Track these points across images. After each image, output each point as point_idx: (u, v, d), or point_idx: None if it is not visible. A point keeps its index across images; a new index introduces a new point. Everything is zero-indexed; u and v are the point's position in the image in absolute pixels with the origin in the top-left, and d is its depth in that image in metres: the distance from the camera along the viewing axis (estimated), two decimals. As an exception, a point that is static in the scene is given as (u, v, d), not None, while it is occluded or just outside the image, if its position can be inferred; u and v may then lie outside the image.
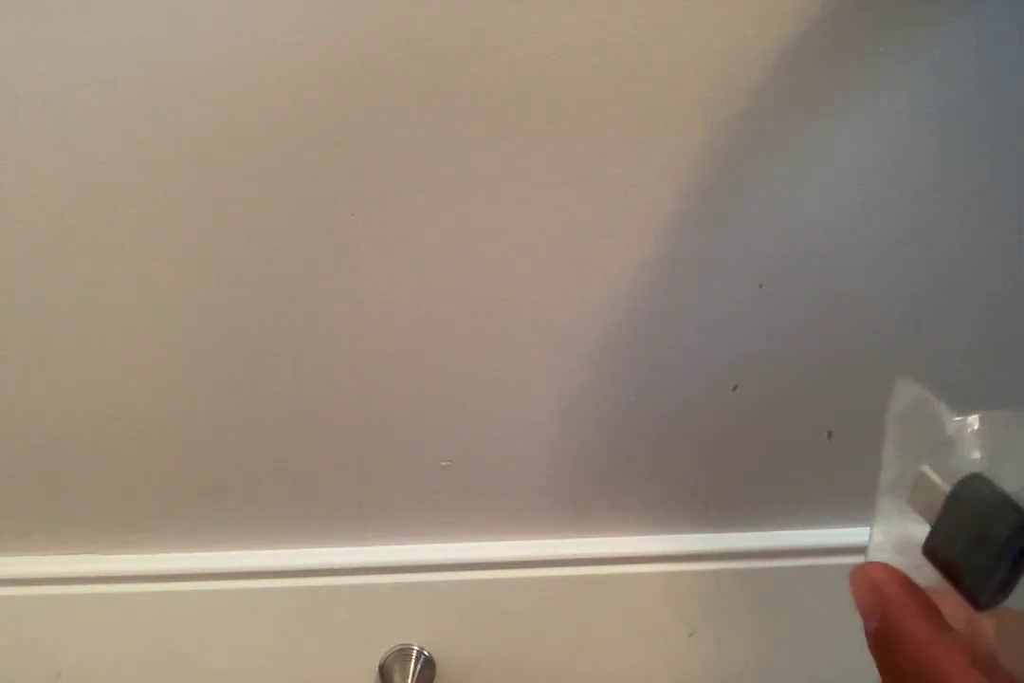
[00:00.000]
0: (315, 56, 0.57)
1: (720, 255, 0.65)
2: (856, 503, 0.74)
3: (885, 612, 0.27)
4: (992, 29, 0.62)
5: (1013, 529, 0.25)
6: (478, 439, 0.69)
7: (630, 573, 0.73)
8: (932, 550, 0.28)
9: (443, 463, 0.69)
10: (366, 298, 0.64)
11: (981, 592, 0.26)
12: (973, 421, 0.29)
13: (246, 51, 0.56)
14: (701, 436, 0.71)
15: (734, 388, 0.70)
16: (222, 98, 0.57)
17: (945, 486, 0.28)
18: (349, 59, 0.57)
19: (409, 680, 0.70)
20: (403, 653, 0.72)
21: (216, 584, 0.69)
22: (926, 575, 0.28)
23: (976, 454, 0.28)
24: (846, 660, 0.77)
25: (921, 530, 0.29)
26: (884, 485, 0.32)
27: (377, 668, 0.72)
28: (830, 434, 0.72)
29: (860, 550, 0.77)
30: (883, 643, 0.27)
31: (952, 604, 0.27)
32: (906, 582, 0.28)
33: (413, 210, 0.62)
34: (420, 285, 0.64)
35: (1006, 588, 0.26)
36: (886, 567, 0.29)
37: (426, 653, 0.72)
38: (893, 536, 0.31)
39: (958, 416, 0.29)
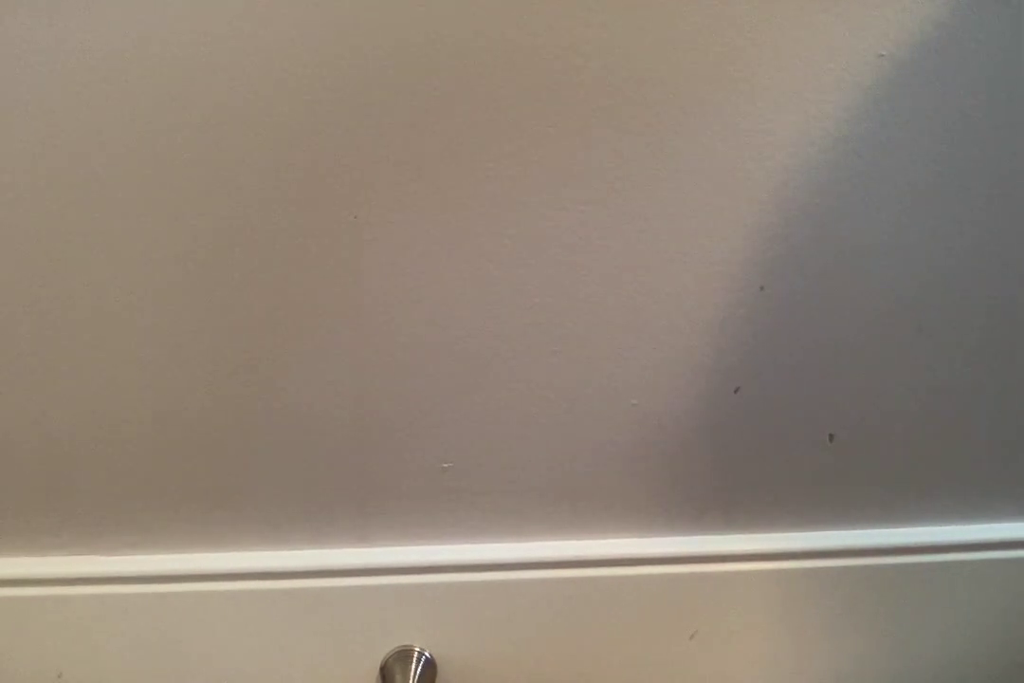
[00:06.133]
0: (316, 58, 0.57)
1: (721, 257, 0.66)
2: (857, 505, 0.74)
3: None
4: (992, 31, 0.62)
5: None
6: (479, 441, 0.69)
7: (631, 575, 0.73)
8: None
9: (444, 465, 0.69)
10: (367, 299, 0.64)
11: None
12: None
13: (247, 52, 0.57)
14: (702, 438, 0.71)
15: (735, 390, 0.70)
16: (223, 100, 0.58)
17: None
18: (350, 61, 0.58)
19: (410, 681, 0.70)
20: (404, 654, 0.71)
21: (217, 585, 0.69)
22: None
23: None
24: (847, 662, 0.77)
25: None
26: None
27: (378, 669, 0.72)
28: (831, 437, 0.72)
29: (860, 552, 0.78)
30: None
31: None
32: None
33: (414, 212, 0.62)
34: (421, 286, 0.64)
35: None
36: None
37: (427, 654, 0.72)
38: None
39: None
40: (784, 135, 0.63)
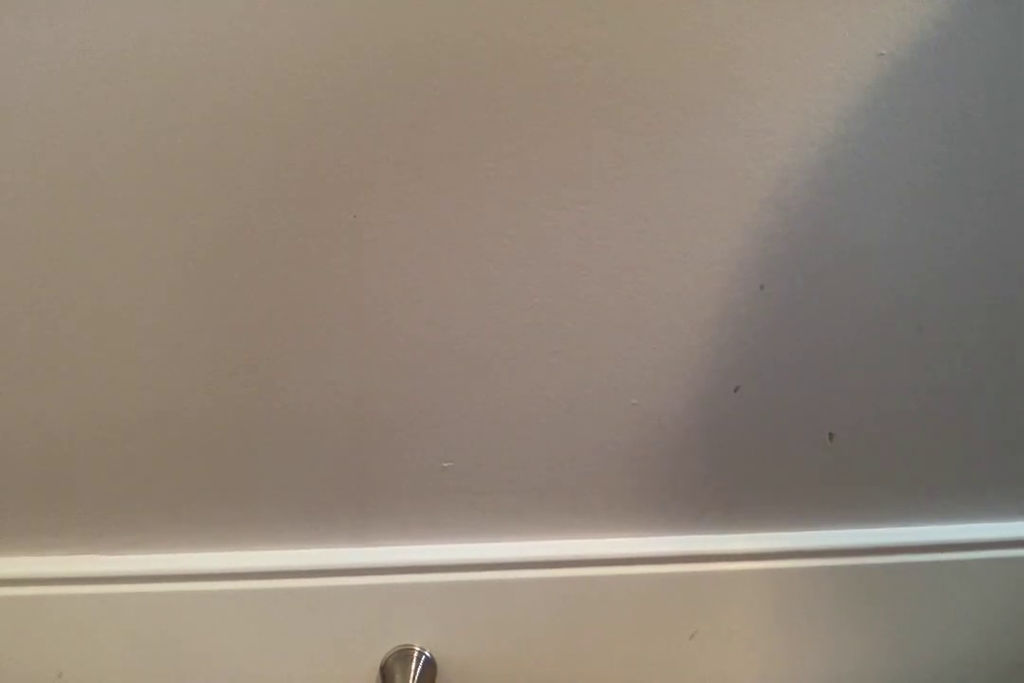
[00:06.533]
0: (316, 57, 0.57)
1: (721, 257, 0.66)
2: (857, 505, 0.74)
3: None
4: (992, 30, 0.62)
5: None
6: (479, 440, 0.69)
7: (630, 574, 0.73)
8: None
9: (444, 464, 0.69)
10: (367, 299, 0.64)
11: None
12: None
13: (247, 52, 0.57)
14: (702, 437, 0.71)
15: (735, 389, 0.70)
16: (223, 100, 0.58)
17: None
18: (350, 61, 0.58)
19: (410, 681, 0.70)
20: (404, 654, 0.71)
21: (216, 584, 0.69)
22: None
23: None
24: (846, 661, 0.77)
25: None
26: None
27: (378, 669, 0.72)
28: (831, 436, 0.72)
29: (860, 551, 0.78)
30: None
31: None
32: None
33: (414, 212, 0.62)
34: (421, 286, 0.64)
35: None
36: None
37: (427, 654, 0.72)
38: None
39: None
40: (784, 134, 0.63)
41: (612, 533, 0.73)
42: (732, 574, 0.73)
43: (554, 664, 0.74)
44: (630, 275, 0.65)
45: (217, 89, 0.57)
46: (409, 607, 0.71)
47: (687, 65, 0.60)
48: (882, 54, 0.62)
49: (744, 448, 0.72)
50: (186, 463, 0.67)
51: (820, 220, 0.66)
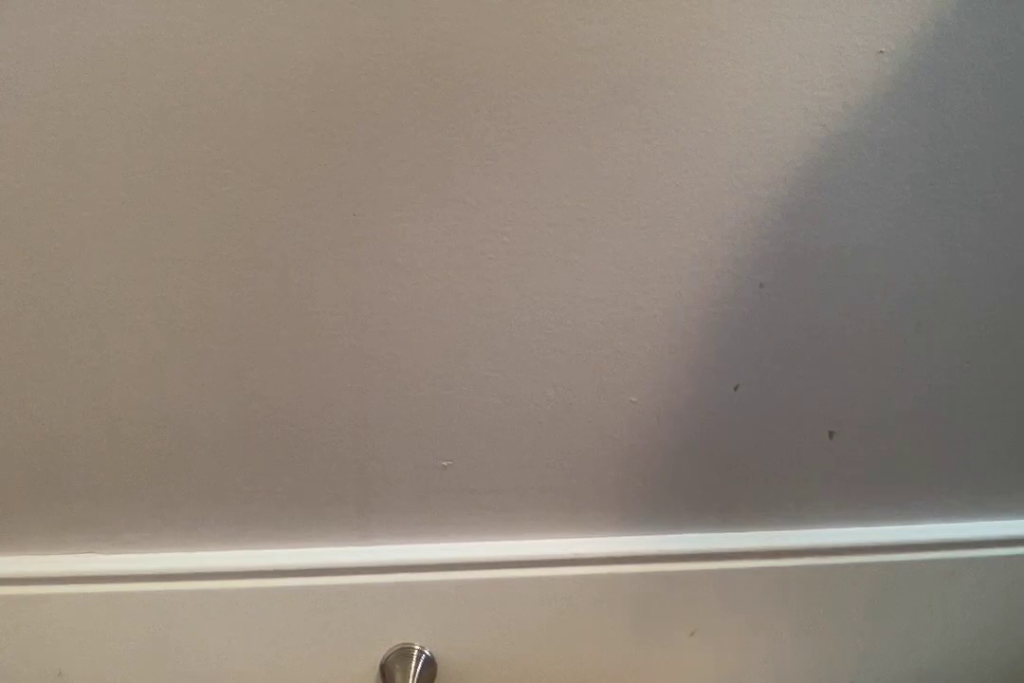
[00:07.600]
0: (316, 56, 0.57)
1: (721, 255, 0.66)
2: (856, 503, 0.75)
3: None
4: (992, 28, 0.62)
5: None
6: (478, 439, 0.69)
7: (630, 573, 0.73)
8: None
9: (444, 463, 0.69)
10: (366, 298, 0.64)
11: None
12: None
13: (247, 52, 0.56)
14: (702, 436, 0.71)
15: (735, 388, 0.70)
16: (223, 98, 0.57)
17: None
18: (350, 59, 0.57)
19: (410, 679, 0.70)
20: (404, 652, 0.72)
21: (216, 583, 0.69)
22: None
23: None
24: (847, 659, 0.77)
25: None
26: None
27: (378, 667, 0.72)
28: (831, 434, 0.72)
29: (860, 549, 0.78)
30: None
31: None
32: None
33: (414, 210, 0.62)
34: (420, 285, 0.64)
35: None
36: None
37: (427, 652, 0.72)
38: None
39: None
40: (784, 133, 0.63)
41: (611, 531, 0.73)
42: (732, 572, 0.74)
43: (554, 662, 0.74)
44: (630, 274, 0.65)
45: (217, 89, 0.57)
46: (409, 606, 0.71)
47: (687, 63, 0.60)
48: (882, 52, 0.61)
49: (744, 446, 0.72)
50: (186, 463, 0.67)
51: (820, 218, 0.65)
